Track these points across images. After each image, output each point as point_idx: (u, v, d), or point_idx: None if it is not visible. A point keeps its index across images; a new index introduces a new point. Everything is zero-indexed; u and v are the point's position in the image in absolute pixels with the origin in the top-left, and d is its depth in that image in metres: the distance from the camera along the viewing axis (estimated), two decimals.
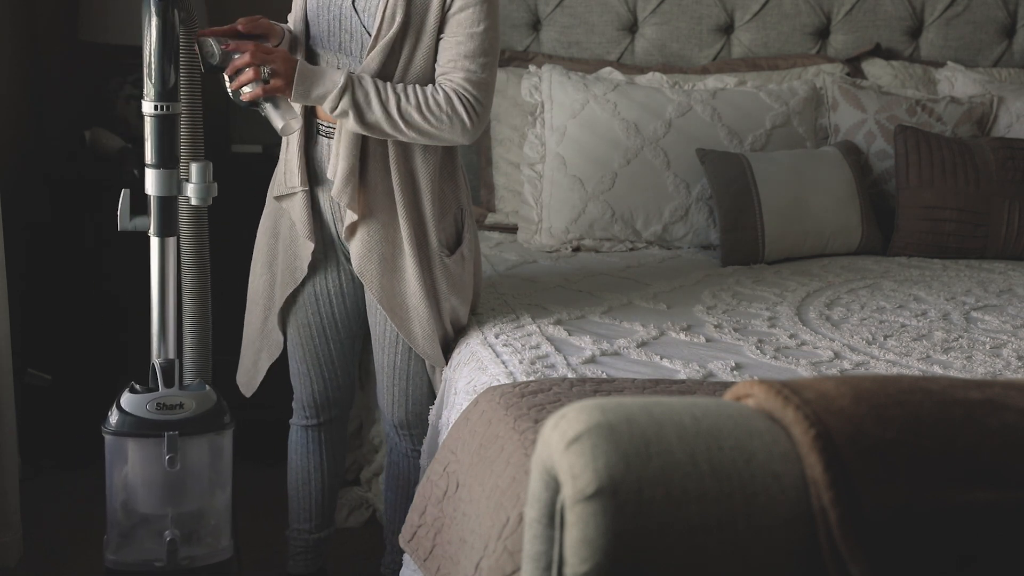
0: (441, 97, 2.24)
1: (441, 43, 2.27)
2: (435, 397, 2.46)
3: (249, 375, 2.57)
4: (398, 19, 2.24)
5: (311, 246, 2.41)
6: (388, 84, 2.24)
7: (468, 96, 2.24)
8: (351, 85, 2.21)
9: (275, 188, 2.46)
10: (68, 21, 3.42)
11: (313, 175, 2.39)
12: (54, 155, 3.43)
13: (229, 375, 2.66)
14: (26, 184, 3.25)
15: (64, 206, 3.19)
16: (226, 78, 2.21)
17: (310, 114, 2.39)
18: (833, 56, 3.66)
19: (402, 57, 2.27)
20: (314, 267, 2.45)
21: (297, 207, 2.40)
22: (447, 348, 2.45)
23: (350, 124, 2.24)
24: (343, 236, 2.39)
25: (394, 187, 2.33)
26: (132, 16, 3.06)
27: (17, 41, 3.33)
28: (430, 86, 2.26)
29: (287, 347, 2.54)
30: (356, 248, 2.36)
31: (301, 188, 2.38)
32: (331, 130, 2.35)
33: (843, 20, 3.66)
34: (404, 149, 2.33)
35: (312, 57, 2.37)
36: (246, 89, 2.18)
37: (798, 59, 3.60)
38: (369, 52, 2.26)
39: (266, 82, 2.17)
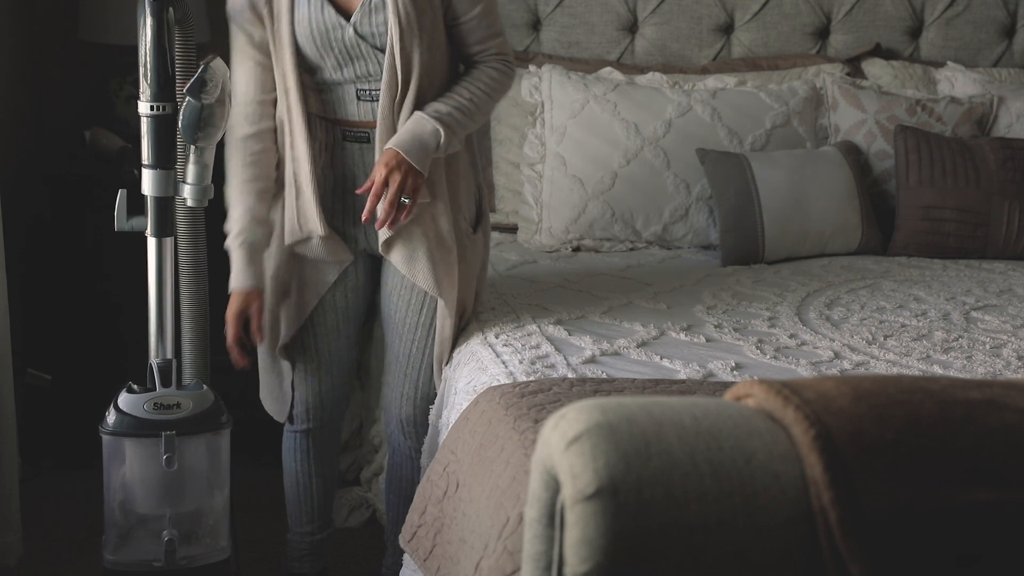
0: (496, 74, 2.40)
1: (463, 27, 2.36)
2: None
3: (279, 402, 2.57)
4: (413, 18, 2.26)
5: (336, 274, 2.44)
6: (460, 95, 2.34)
7: (506, 59, 2.44)
8: (446, 130, 2.29)
9: (288, 236, 2.40)
10: (68, 21, 3.42)
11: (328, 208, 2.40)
12: (54, 155, 3.42)
13: (226, 375, 2.65)
14: (26, 184, 3.24)
15: (64, 206, 3.19)
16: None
17: (334, 120, 2.37)
18: (833, 56, 3.65)
19: (421, 53, 2.28)
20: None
21: (315, 246, 2.40)
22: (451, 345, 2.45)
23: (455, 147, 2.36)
24: (380, 249, 2.39)
25: (440, 175, 2.36)
26: (132, 16, 3.03)
27: (17, 41, 3.33)
28: (480, 69, 2.40)
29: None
30: (399, 254, 2.37)
31: (323, 234, 2.36)
32: (362, 134, 2.35)
33: (843, 20, 3.66)
34: None
35: (311, 74, 2.35)
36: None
37: (798, 59, 3.60)
38: (398, 62, 2.26)
39: (408, 199, 2.27)
